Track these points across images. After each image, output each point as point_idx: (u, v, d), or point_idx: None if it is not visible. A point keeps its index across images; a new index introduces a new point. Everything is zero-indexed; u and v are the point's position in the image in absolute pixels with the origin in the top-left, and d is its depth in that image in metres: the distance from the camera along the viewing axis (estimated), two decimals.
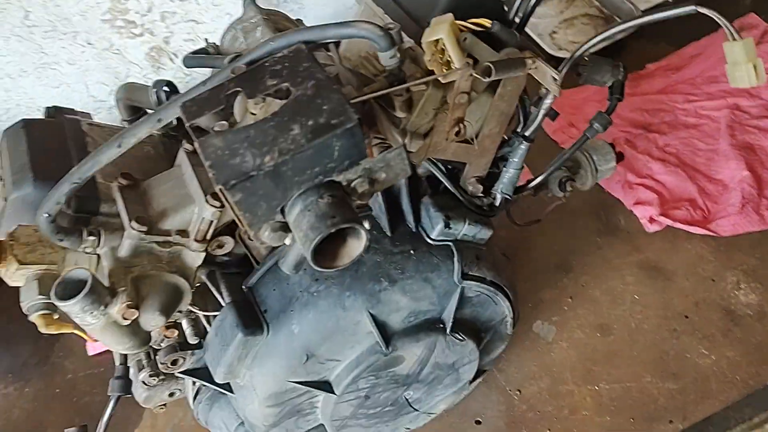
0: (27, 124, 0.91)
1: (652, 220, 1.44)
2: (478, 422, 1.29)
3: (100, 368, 1.59)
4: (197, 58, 1.07)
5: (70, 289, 0.75)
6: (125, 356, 1.05)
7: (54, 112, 0.97)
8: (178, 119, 1.00)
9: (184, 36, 2.02)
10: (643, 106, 1.67)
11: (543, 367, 1.33)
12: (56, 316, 0.77)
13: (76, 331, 0.78)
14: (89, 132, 0.95)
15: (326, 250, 0.71)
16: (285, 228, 0.72)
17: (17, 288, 0.83)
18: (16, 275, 0.77)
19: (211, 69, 1.00)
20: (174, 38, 2.01)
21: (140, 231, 0.81)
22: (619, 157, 1.25)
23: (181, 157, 0.89)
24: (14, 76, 1.79)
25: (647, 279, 1.40)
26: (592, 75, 1.00)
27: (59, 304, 0.74)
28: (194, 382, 1.08)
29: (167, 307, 0.84)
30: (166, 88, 0.99)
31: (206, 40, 1.14)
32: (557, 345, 1.36)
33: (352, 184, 0.72)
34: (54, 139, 0.91)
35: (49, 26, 1.82)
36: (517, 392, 1.31)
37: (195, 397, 1.10)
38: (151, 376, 1.06)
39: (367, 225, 0.70)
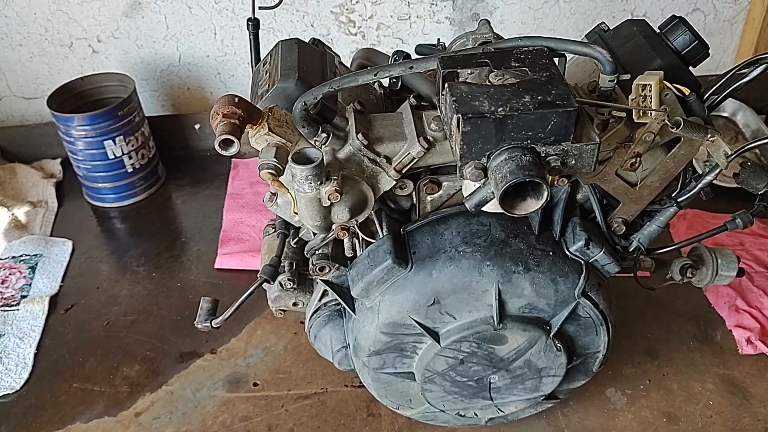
0: (299, 41, 1.15)
1: (749, 341, 1.52)
2: None
3: (219, 281, 1.80)
4: (429, 47, 1.29)
5: (301, 160, 0.96)
6: (281, 251, 1.25)
7: (318, 42, 1.22)
8: (401, 85, 1.23)
9: (387, 48, 2.29)
10: None
11: (603, 427, 1.42)
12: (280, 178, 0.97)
13: (288, 194, 0.98)
14: (339, 67, 1.19)
15: (510, 198, 0.88)
16: (483, 171, 0.90)
17: None
18: (261, 138, 0.98)
19: None
20: (378, 48, 2.28)
21: (362, 143, 1.01)
22: (740, 272, 1.35)
23: (404, 107, 1.10)
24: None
25: (726, 392, 1.47)
26: (750, 179, 1.13)
27: (294, 166, 0.94)
28: (320, 298, 1.25)
29: (354, 209, 1.04)
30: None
31: (438, 39, 1.37)
32: (623, 414, 1.44)
33: (548, 158, 0.89)
34: (315, 59, 1.14)
35: (289, 1, 2.14)
36: None
37: (314, 312, 1.27)
38: (288, 279, 1.25)
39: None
